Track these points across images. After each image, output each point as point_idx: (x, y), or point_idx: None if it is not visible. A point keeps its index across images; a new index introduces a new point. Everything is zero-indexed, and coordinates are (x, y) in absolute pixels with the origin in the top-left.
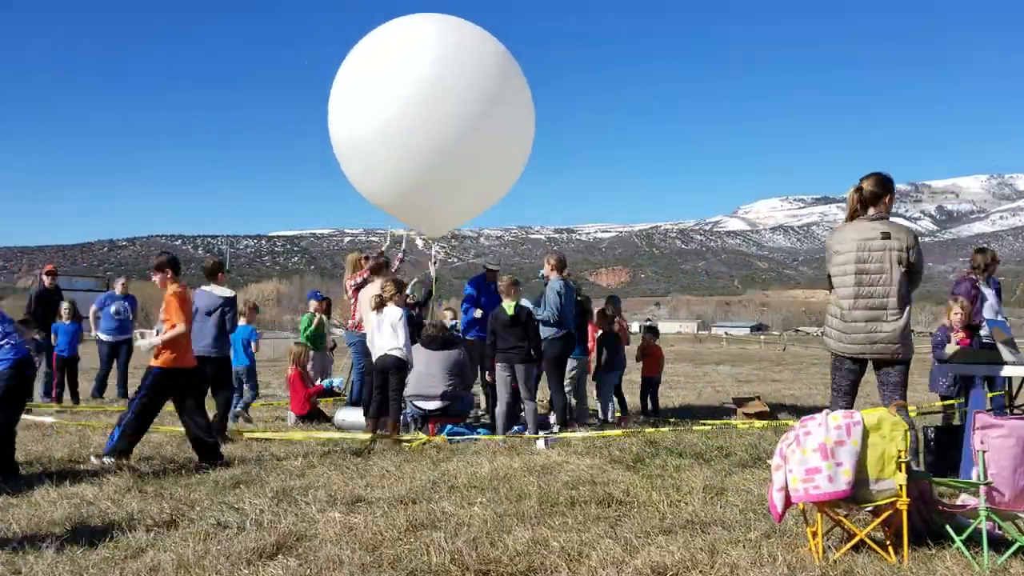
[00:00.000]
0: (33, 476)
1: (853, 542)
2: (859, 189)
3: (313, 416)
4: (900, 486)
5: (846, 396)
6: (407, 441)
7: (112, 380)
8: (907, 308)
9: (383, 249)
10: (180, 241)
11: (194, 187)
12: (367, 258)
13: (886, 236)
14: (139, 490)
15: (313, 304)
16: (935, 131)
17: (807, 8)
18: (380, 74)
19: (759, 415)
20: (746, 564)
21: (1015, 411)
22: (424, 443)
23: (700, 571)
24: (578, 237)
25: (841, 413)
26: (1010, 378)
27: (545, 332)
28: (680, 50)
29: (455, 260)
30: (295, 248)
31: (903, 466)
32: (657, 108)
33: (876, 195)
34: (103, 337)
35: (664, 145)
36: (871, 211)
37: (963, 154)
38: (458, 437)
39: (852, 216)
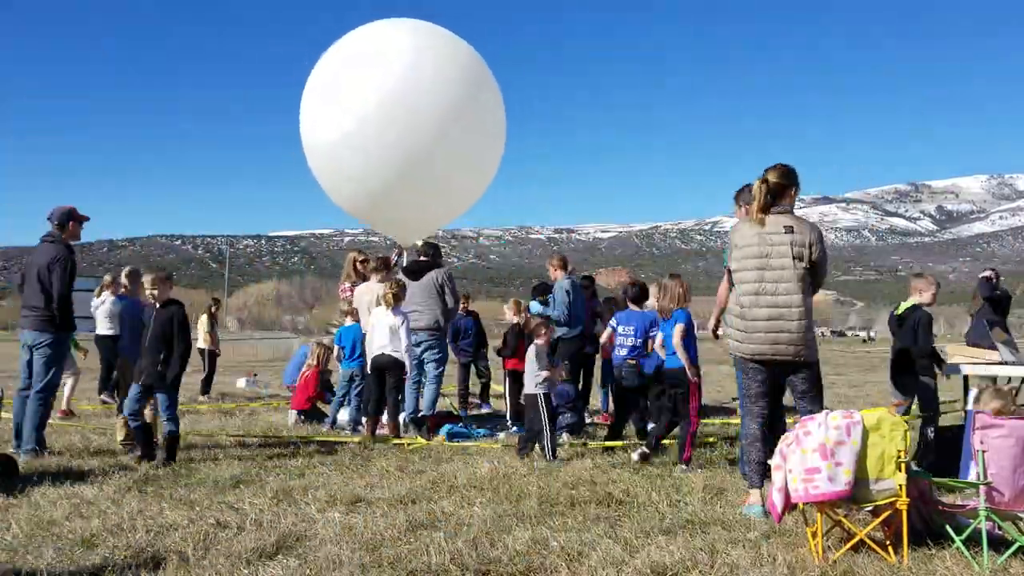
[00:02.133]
0: (33, 476)
1: (853, 542)
2: (765, 181)
3: (312, 415)
4: (900, 486)
5: (758, 401)
6: (407, 442)
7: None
8: (810, 308)
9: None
10: (180, 241)
11: (194, 187)
12: (365, 260)
13: (789, 230)
14: (139, 490)
15: None
16: (935, 131)
17: (807, 8)
18: (349, 81)
19: None
20: (746, 564)
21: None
22: (423, 447)
23: (700, 571)
24: (578, 237)
25: (840, 413)
26: (1010, 378)
27: (558, 331)
28: (680, 49)
29: (455, 260)
30: (295, 248)
31: (903, 466)
32: (657, 108)
33: (782, 187)
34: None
35: (664, 145)
36: (776, 204)
37: (963, 154)
38: (458, 438)
39: (761, 209)
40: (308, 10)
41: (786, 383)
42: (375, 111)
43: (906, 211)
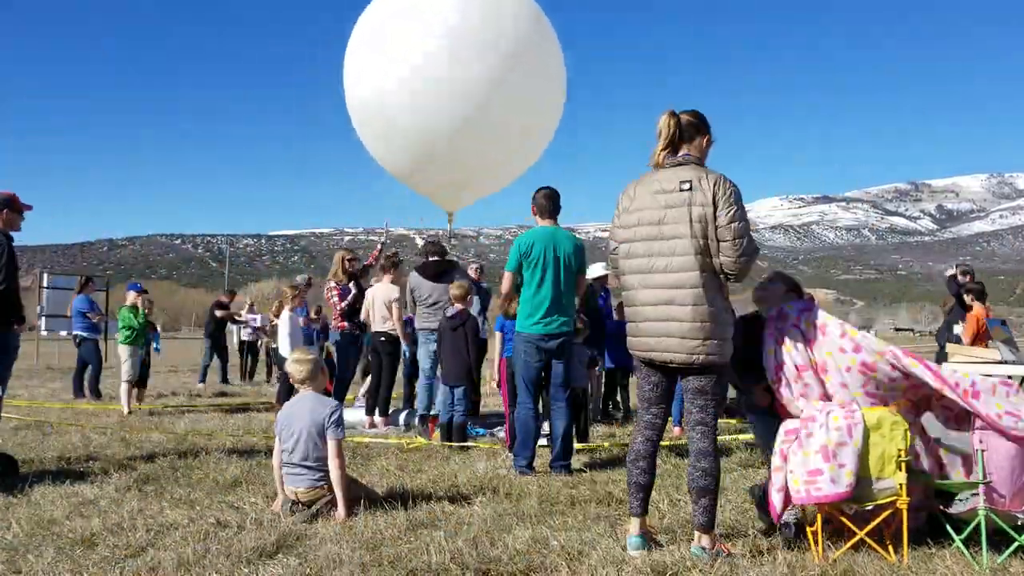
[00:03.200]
0: (33, 475)
1: (853, 541)
2: (674, 114)
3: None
4: (900, 485)
5: (649, 408)
6: (407, 442)
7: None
8: (718, 293)
9: (381, 247)
10: (180, 240)
11: (194, 186)
12: (354, 259)
13: (687, 186)
14: (139, 490)
15: (132, 295)
16: (935, 130)
17: (807, 7)
18: (400, 28)
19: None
20: (746, 563)
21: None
22: (424, 446)
23: (700, 570)
24: (578, 236)
25: (842, 413)
26: (1010, 377)
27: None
28: (681, 49)
29: (455, 260)
30: (295, 248)
31: (903, 465)
32: (657, 107)
33: (694, 128)
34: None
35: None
36: (679, 152)
37: (963, 153)
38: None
39: (667, 146)
40: (308, 10)
41: (682, 381)
42: (431, 60)
43: (906, 210)
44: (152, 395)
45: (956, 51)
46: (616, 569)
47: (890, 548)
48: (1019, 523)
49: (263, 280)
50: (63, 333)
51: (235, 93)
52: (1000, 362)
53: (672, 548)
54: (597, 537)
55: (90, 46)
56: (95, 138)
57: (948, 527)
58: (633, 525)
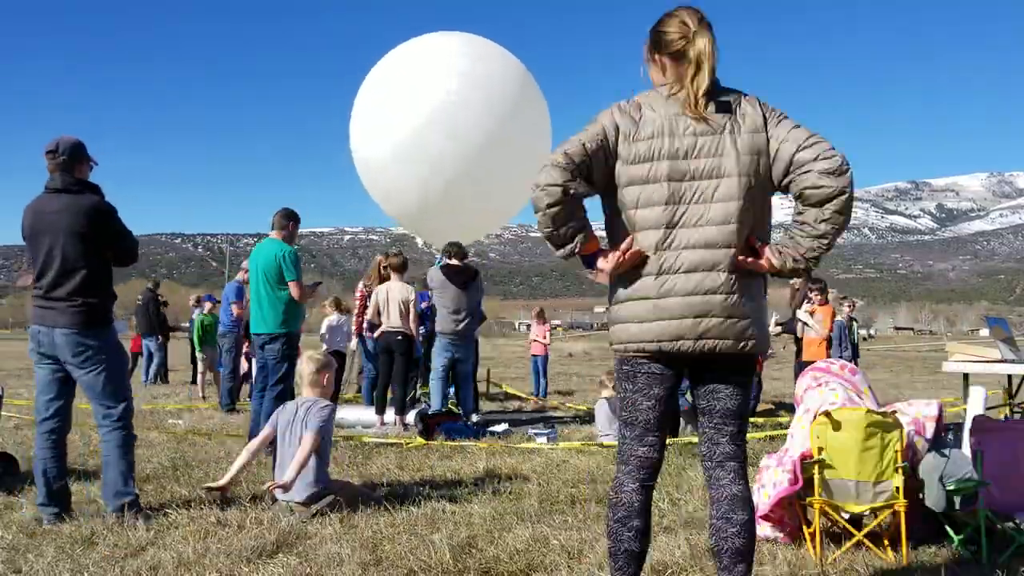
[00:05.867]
0: (33, 475)
1: (852, 542)
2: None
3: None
4: (897, 488)
5: (645, 436)
6: (406, 441)
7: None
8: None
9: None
10: (180, 239)
11: (194, 185)
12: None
13: (725, 109)
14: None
15: None
16: (935, 129)
17: (806, 6)
18: (402, 93)
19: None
20: None
21: (1015, 410)
22: (422, 446)
23: (700, 570)
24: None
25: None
26: (1010, 376)
27: None
28: None
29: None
30: None
31: (900, 468)
32: None
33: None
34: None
35: None
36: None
37: (963, 152)
38: (456, 436)
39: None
40: (308, 11)
41: (703, 391)
42: (431, 120)
43: (906, 209)
44: (152, 395)
45: (956, 49)
46: None
47: (888, 550)
48: (1019, 523)
49: None
50: None
51: (236, 92)
52: (1000, 361)
53: (673, 547)
54: (597, 536)
55: (90, 45)
56: (94, 137)
57: (948, 527)
58: None
